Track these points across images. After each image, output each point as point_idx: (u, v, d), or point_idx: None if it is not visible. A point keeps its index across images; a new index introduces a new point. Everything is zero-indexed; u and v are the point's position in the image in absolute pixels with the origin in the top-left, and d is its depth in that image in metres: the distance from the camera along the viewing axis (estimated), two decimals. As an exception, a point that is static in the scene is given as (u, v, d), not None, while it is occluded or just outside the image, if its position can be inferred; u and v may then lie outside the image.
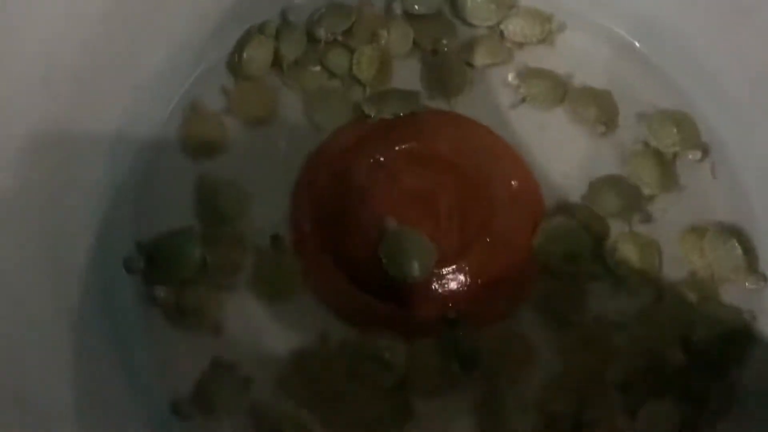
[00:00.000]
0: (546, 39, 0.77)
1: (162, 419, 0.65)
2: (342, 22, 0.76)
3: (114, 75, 0.65)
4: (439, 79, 0.76)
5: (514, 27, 0.77)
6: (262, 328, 0.69)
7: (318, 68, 0.76)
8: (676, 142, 0.73)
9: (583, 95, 0.76)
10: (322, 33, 0.75)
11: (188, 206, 0.71)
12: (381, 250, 0.69)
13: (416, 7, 0.77)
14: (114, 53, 0.64)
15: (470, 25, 0.77)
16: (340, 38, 0.75)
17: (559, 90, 0.75)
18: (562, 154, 0.74)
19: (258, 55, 0.74)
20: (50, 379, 0.59)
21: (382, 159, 0.72)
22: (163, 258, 0.69)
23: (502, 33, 0.77)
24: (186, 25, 0.70)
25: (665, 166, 0.73)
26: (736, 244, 0.69)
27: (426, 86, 0.76)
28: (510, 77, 0.75)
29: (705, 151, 0.72)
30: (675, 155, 0.73)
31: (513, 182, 0.72)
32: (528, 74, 0.76)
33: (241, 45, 0.74)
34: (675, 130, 0.73)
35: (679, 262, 0.70)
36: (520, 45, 0.77)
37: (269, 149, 0.73)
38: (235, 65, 0.75)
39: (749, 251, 0.69)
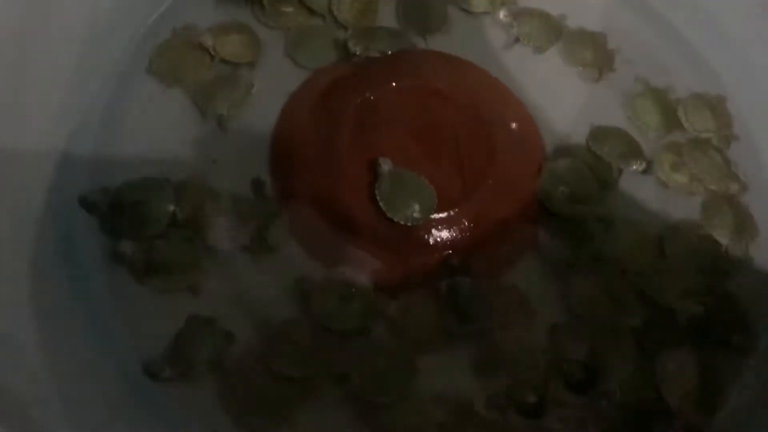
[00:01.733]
0: None
1: (136, 381, 0.67)
2: None
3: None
4: (417, 17, 0.83)
5: None
6: (244, 284, 0.72)
7: (291, 8, 0.83)
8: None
9: (577, 37, 0.85)
10: None
11: (160, 142, 0.75)
12: (377, 193, 0.73)
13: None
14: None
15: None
16: None
17: (553, 30, 0.85)
18: (558, 97, 0.82)
19: None
20: (11, 327, 0.62)
21: (372, 97, 0.77)
22: (129, 210, 0.71)
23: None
24: None
25: (667, 108, 0.83)
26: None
27: (403, 25, 0.83)
28: (502, 15, 0.84)
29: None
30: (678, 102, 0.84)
31: (513, 124, 0.80)
32: (520, 13, 0.85)
33: None
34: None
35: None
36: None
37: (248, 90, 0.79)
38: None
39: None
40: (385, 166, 0.74)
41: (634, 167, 0.80)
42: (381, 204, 0.73)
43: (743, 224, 0.79)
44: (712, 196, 0.80)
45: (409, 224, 0.73)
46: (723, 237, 0.78)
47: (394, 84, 0.79)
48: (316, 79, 0.80)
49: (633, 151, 0.81)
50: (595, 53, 0.84)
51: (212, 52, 0.78)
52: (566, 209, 0.77)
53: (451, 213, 0.75)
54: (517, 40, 0.84)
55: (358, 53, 0.80)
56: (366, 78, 0.79)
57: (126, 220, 0.71)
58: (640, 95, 0.83)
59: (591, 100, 0.84)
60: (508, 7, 0.86)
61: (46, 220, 0.69)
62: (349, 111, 0.77)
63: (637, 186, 0.80)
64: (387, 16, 0.84)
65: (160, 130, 0.76)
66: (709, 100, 0.84)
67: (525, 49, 0.85)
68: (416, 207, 0.73)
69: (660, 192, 0.80)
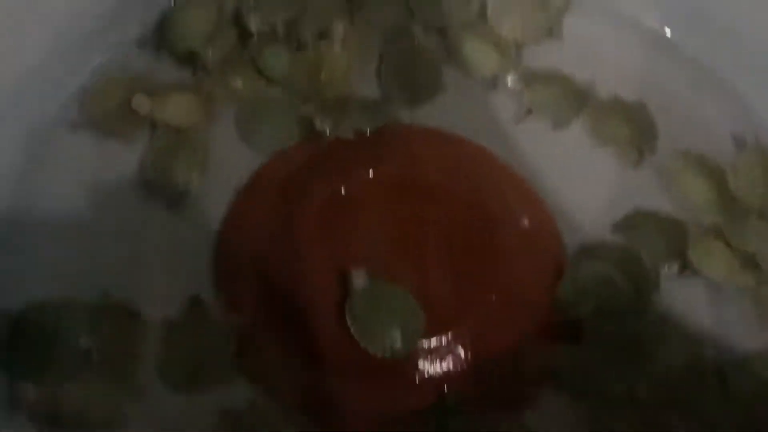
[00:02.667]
0: (553, 29, 0.80)
1: None
2: (284, 8, 0.77)
3: None
4: (403, 82, 0.78)
5: (512, 22, 0.79)
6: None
7: (241, 79, 0.77)
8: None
9: (608, 108, 0.78)
10: (254, 23, 0.76)
11: (72, 252, 0.70)
12: (348, 314, 0.67)
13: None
14: None
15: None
16: (280, 29, 0.77)
17: (576, 99, 0.78)
18: (582, 183, 0.75)
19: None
20: None
21: (344, 189, 0.72)
22: (32, 343, 0.65)
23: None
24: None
25: (720, 183, 0.75)
26: None
27: (385, 93, 0.78)
28: (510, 81, 0.78)
29: None
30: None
31: (524, 220, 0.74)
32: (534, 77, 0.79)
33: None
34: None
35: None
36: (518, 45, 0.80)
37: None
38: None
39: None
40: (359, 279, 0.67)
41: (672, 269, 0.73)
42: (353, 330, 0.66)
43: None
44: None
45: (388, 356, 0.66)
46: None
47: (371, 171, 0.73)
48: (274, 165, 0.74)
49: (674, 243, 0.73)
50: (631, 129, 0.76)
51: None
52: (592, 327, 0.70)
53: (444, 338, 0.68)
54: (529, 111, 0.77)
55: (326, 132, 0.74)
56: (336, 164, 0.74)
57: (27, 357, 0.65)
58: (682, 168, 0.76)
59: (623, 183, 0.76)
60: (519, 69, 0.79)
61: None
62: (314, 207, 0.71)
63: (685, 289, 0.73)
64: (365, 82, 0.78)
65: (70, 238, 0.70)
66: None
67: (540, 124, 0.78)
68: (398, 334, 0.66)
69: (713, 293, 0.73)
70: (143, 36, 0.77)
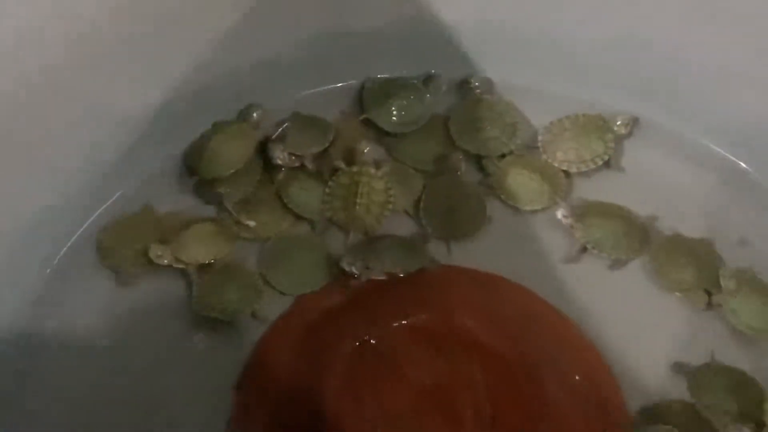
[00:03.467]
0: (611, 161, 0.78)
1: None
2: (313, 142, 0.77)
3: None
4: (444, 217, 0.77)
5: (565, 152, 0.79)
6: None
7: (267, 217, 0.77)
8: None
9: (672, 247, 0.76)
10: (282, 158, 0.76)
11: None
12: None
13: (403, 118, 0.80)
14: None
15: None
16: (309, 164, 0.77)
17: (637, 235, 0.76)
18: (644, 330, 0.73)
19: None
20: None
21: (373, 341, 0.71)
22: None
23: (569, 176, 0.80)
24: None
25: None
26: None
27: (423, 230, 0.77)
28: (560, 214, 0.76)
29: None
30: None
31: (576, 376, 0.71)
32: (589, 210, 0.77)
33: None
34: None
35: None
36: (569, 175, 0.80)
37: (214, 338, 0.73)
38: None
39: None
40: None
41: None
42: None
43: None
44: None
45: None
46: None
47: (403, 321, 0.72)
48: (300, 308, 0.74)
49: (750, 405, 0.69)
50: (698, 271, 0.74)
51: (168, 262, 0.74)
52: None
53: None
54: (584, 249, 0.75)
55: (356, 275, 0.73)
56: (365, 311, 0.73)
57: None
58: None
59: (691, 332, 0.73)
60: (570, 202, 0.77)
61: None
62: (341, 358, 0.70)
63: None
64: (401, 218, 0.78)
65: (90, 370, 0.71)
66: None
67: (596, 263, 0.76)
68: None
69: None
70: (163, 169, 0.78)
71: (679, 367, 0.71)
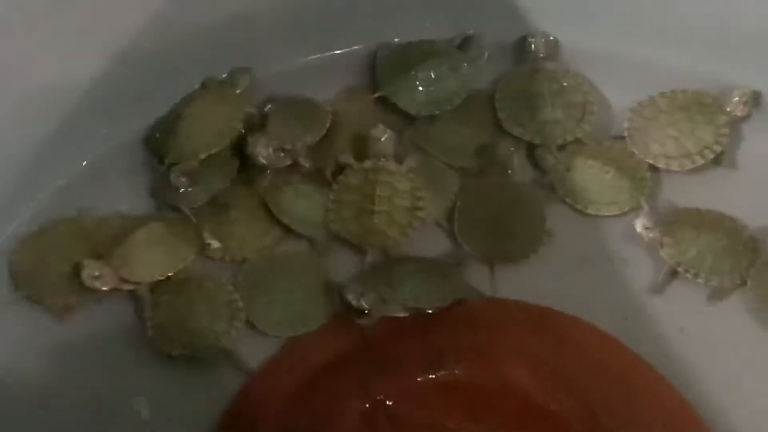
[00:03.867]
0: (722, 156, 0.69)
1: None
2: (308, 128, 0.68)
3: None
4: (489, 232, 0.68)
5: (661, 144, 0.69)
6: None
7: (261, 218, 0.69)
8: None
9: None
10: (264, 151, 0.67)
11: None
12: None
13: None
14: None
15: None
16: (304, 161, 0.67)
17: (743, 254, 0.66)
18: (755, 387, 0.64)
19: None
20: None
21: (389, 401, 0.63)
22: None
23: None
24: None
25: None
26: None
27: (463, 247, 0.68)
28: (639, 226, 0.67)
29: None
30: None
31: None
32: (678, 220, 0.67)
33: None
34: None
35: None
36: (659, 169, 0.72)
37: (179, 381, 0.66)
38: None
39: None
40: None
41: None
42: None
43: None
44: None
45: None
46: None
47: (431, 375, 0.63)
48: (288, 359, 0.66)
49: None
50: None
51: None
52: None
53: None
54: (674, 273, 0.66)
55: (366, 310, 0.63)
56: (378, 361, 0.64)
57: None
58: None
59: None
60: (656, 208, 0.68)
61: None
62: (347, 423, 0.62)
63: None
64: (428, 233, 0.67)
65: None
66: None
67: (692, 292, 0.66)
68: None
69: None
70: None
71: None
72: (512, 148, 0.71)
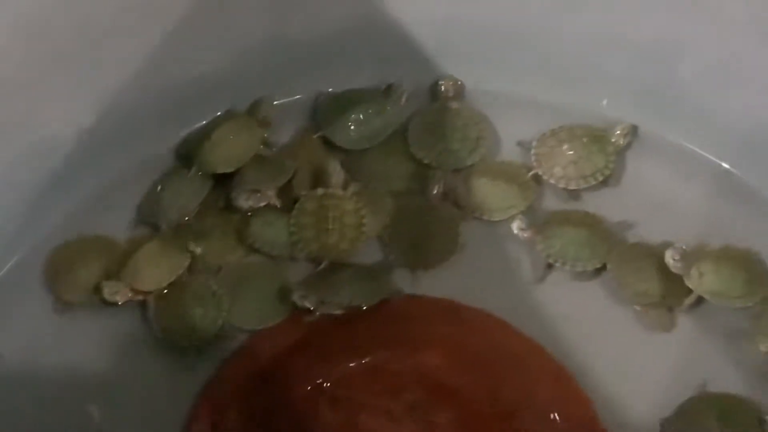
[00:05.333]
0: (610, 178, 0.69)
1: None
2: (277, 173, 0.67)
3: None
4: (413, 241, 0.67)
5: (563, 167, 0.68)
6: None
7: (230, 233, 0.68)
8: None
9: (632, 256, 0.66)
10: (245, 202, 0.66)
11: None
12: None
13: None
14: None
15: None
16: (274, 200, 0.67)
17: (601, 243, 0.66)
18: (624, 356, 0.63)
19: None
20: None
21: (327, 384, 0.62)
22: None
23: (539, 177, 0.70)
24: None
25: None
26: None
27: (391, 254, 0.67)
28: (515, 228, 0.66)
29: None
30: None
31: (553, 414, 0.60)
32: (549, 221, 0.67)
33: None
34: None
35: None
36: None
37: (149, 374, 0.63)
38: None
39: None
40: None
41: None
42: None
43: None
44: None
45: None
46: None
47: (362, 360, 0.62)
48: (249, 350, 0.64)
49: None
50: (663, 284, 0.64)
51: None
52: None
53: None
54: (549, 265, 0.66)
55: (311, 309, 0.62)
56: (319, 351, 0.63)
57: None
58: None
59: (678, 354, 0.63)
60: (526, 213, 0.68)
61: None
62: (291, 406, 0.61)
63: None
64: (367, 245, 0.67)
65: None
66: None
67: (565, 279, 0.66)
68: None
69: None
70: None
71: (666, 397, 0.60)
72: (439, 174, 0.69)
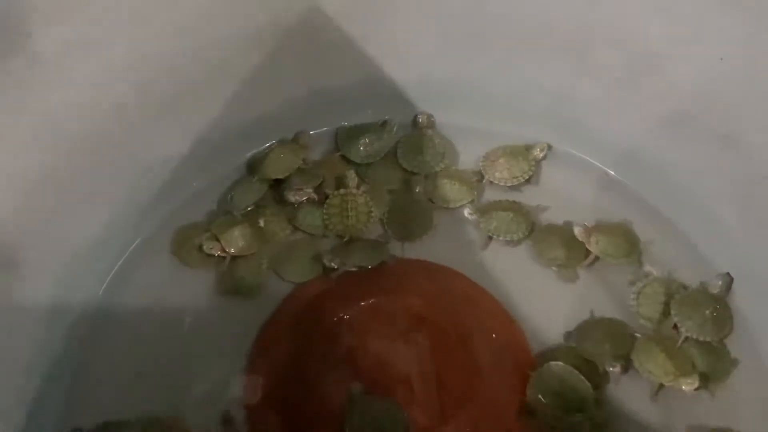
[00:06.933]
0: (532, 178, 0.72)
1: None
2: (311, 181, 0.71)
3: (45, 244, 0.60)
4: (400, 224, 0.70)
5: (501, 172, 0.72)
6: None
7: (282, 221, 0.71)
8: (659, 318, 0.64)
9: (545, 234, 0.69)
10: (293, 197, 0.70)
11: (129, 388, 0.62)
12: (346, 424, 0.58)
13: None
14: (46, 225, 0.59)
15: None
16: (315, 195, 0.70)
17: (524, 220, 0.69)
18: (540, 295, 0.66)
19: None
20: None
21: (346, 317, 0.64)
22: None
23: (483, 178, 0.72)
24: (123, 193, 0.66)
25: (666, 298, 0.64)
26: None
27: (388, 232, 0.70)
28: (466, 212, 0.70)
29: None
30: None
31: (494, 335, 0.64)
32: (489, 207, 0.70)
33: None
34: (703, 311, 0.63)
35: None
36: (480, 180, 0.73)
37: (224, 316, 0.66)
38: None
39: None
40: (356, 392, 0.60)
41: (615, 368, 0.61)
42: None
43: None
44: None
45: None
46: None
47: (369, 301, 0.65)
48: (298, 293, 0.67)
49: (620, 347, 0.62)
50: (567, 251, 0.67)
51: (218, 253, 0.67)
52: (559, 421, 0.60)
53: None
54: (490, 237, 0.68)
55: (335, 268, 0.66)
56: (342, 294, 0.66)
57: None
58: (637, 285, 0.66)
59: (577, 294, 0.66)
60: (473, 203, 0.71)
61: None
62: (325, 330, 0.64)
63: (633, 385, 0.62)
64: (372, 227, 0.70)
65: (132, 370, 0.63)
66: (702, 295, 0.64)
67: (501, 246, 0.69)
68: None
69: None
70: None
71: (569, 321, 0.64)
72: (419, 178, 0.72)
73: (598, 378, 0.61)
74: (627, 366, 0.61)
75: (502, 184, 0.71)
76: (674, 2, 0.58)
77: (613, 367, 0.61)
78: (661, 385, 0.60)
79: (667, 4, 0.58)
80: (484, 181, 0.71)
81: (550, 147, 0.72)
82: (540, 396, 0.60)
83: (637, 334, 0.63)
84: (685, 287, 0.64)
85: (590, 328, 0.63)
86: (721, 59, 0.58)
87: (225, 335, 0.64)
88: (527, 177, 0.71)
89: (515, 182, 0.71)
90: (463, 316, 0.64)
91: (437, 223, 0.69)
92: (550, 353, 0.62)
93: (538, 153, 0.71)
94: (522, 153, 0.71)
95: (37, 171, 0.56)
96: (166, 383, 0.62)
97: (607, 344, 0.62)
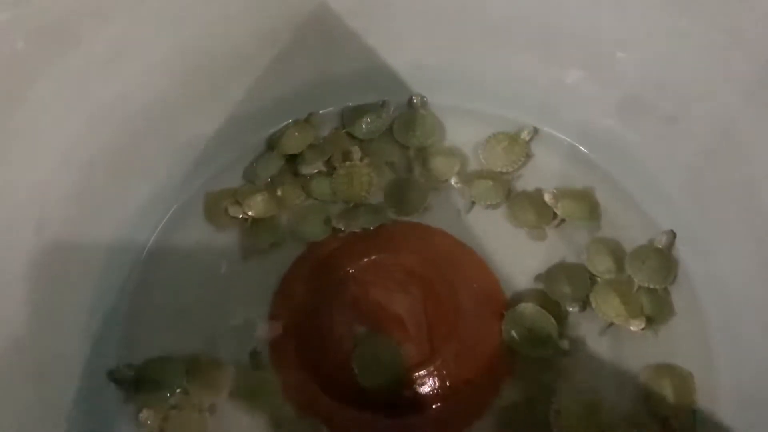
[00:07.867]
0: (524, 161, 0.74)
1: None
2: (322, 155, 0.74)
3: (102, 211, 0.65)
4: (397, 200, 0.73)
5: (501, 160, 0.74)
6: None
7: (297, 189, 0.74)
8: (611, 269, 0.68)
9: (518, 200, 0.72)
10: (306, 170, 0.73)
11: (172, 327, 0.68)
12: (354, 362, 0.64)
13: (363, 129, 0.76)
14: (101, 193, 0.64)
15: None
16: (323, 167, 0.74)
17: (503, 187, 0.72)
18: (514, 249, 0.70)
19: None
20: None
21: (352, 271, 0.69)
22: (148, 384, 0.65)
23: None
24: (164, 166, 0.70)
25: (616, 253, 0.69)
26: None
27: (387, 203, 0.73)
28: (453, 181, 0.72)
29: None
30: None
31: (474, 285, 0.69)
32: (472, 176, 0.73)
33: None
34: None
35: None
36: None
37: (250, 269, 0.70)
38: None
39: None
40: (361, 334, 0.66)
41: (575, 308, 0.67)
42: (356, 372, 0.65)
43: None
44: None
45: (376, 389, 0.64)
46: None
47: (372, 258, 0.70)
48: (310, 251, 0.71)
49: (579, 290, 0.67)
50: (537, 214, 0.70)
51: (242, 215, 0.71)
52: (530, 351, 0.65)
53: (420, 374, 0.65)
54: (473, 202, 0.72)
55: (342, 229, 0.70)
56: (348, 252, 0.70)
57: (145, 394, 0.65)
58: (592, 243, 0.70)
59: (545, 250, 0.71)
60: (460, 172, 0.74)
61: (81, 391, 0.63)
62: (334, 283, 0.69)
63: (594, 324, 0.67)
64: (374, 195, 0.74)
65: (175, 312, 0.68)
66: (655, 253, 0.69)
67: (482, 210, 0.73)
68: (385, 377, 0.65)
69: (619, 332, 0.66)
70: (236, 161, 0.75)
71: (539, 269, 0.69)
72: (416, 153, 0.73)
73: (561, 315, 0.66)
74: (585, 306, 0.66)
75: (504, 170, 0.73)
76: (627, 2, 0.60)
77: (573, 307, 0.66)
78: (611, 324, 0.65)
79: (621, 3, 0.61)
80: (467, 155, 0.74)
81: (536, 130, 0.74)
82: (513, 332, 0.65)
83: (598, 279, 0.67)
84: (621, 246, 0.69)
85: (556, 271, 0.68)
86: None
87: (251, 285, 0.69)
88: (522, 160, 0.73)
89: (514, 167, 0.73)
90: (449, 269, 0.68)
91: (429, 194, 0.72)
92: (521, 296, 0.67)
93: (525, 136, 0.74)
94: (515, 139, 0.73)
95: (92, 151, 0.61)
96: (203, 324, 0.67)
97: (568, 287, 0.66)
